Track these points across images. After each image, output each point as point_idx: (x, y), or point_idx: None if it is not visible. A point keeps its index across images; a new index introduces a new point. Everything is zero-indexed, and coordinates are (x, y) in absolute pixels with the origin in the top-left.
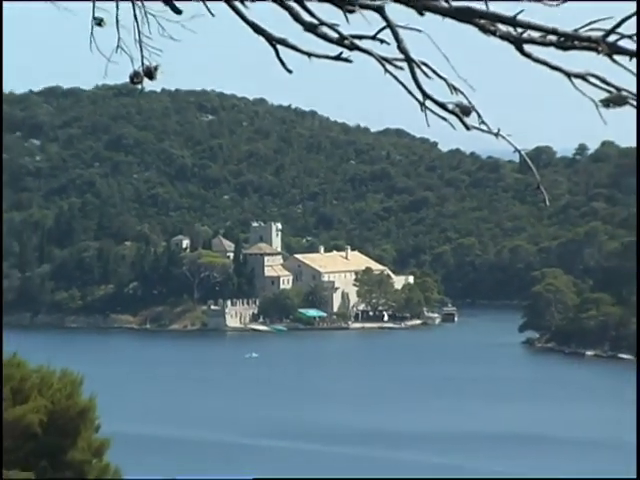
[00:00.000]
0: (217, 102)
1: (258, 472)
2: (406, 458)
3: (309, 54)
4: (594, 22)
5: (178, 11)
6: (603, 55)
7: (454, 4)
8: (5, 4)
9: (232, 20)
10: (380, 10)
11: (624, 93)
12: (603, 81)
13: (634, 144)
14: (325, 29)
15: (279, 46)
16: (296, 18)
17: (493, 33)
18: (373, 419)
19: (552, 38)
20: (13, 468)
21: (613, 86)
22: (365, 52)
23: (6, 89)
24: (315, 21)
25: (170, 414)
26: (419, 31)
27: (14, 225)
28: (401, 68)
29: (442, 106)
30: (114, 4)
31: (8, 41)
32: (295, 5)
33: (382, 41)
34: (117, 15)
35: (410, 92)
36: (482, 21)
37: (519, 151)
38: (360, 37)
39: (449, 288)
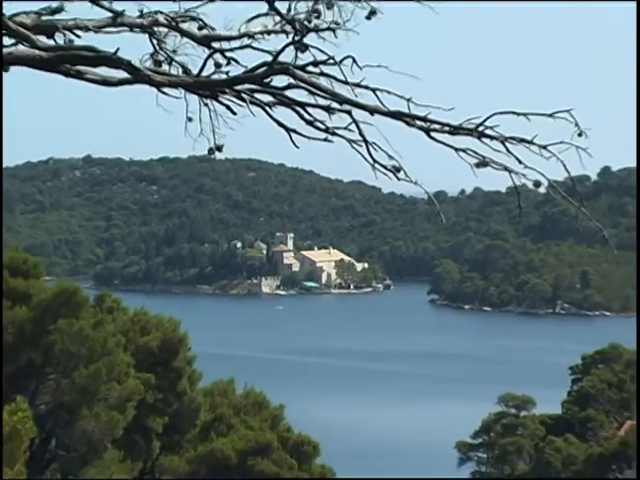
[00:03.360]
0: (257, 165)
1: (277, 375)
2: (367, 366)
3: (308, 137)
4: (471, 119)
5: (234, 113)
6: (475, 138)
7: (390, 108)
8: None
9: (264, 117)
10: (349, 112)
11: (487, 159)
12: (475, 152)
13: (495, 189)
14: (318, 123)
15: (292, 133)
16: (301, 117)
17: (412, 125)
18: (346, 343)
19: (446, 128)
20: (140, 372)
21: (481, 155)
22: (340, 136)
23: (136, 157)
24: (311, 119)
25: (231, 341)
26: (370, 124)
27: (142, 234)
28: (360, 145)
29: (384, 167)
30: (197, 108)
31: (147, 128)
32: (300, 109)
33: (350, 130)
34: (200, 115)
35: (365, 159)
36: (407, 118)
37: (427, 193)
38: (337, 128)
39: (388, 270)
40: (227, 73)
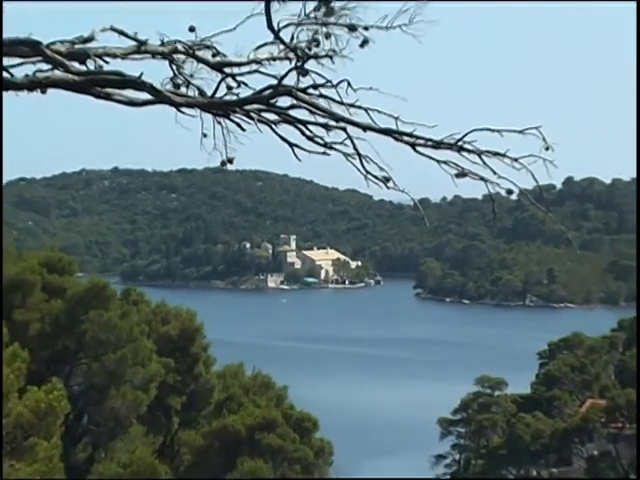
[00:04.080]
0: (263, 175)
1: (282, 359)
2: (360, 351)
3: (309, 151)
4: (451, 135)
5: (243, 129)
6: (455, 151)
7: (381, 125)
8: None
9: (269, 133)
10: (344, 129)
11: (465, 170)
12: (455, 164)
13: (473, 196)
14: (317, 139)
15: (294, 147)
16: (302, 133)
17: (400, 140)
18: (342, 331)
19: (429, 143)
20: (162, 357)
21: (460, 167)
22: (337, 150)
23: (158, 168)
24: (311, 135)
25: (241, 330)
26: (363, 140)
27: (163, 236)
28: (355, 158)
29: (375, 177)
30: (211, 125)
31: (167, 143)
32: (302, 127)
33: (345, 145)
34: (214, 132)
35: (359, 170)
36: (395, 135)
37: (413, 199)
38: (334, 143)
39: (378, 267)
40: (237, 95)
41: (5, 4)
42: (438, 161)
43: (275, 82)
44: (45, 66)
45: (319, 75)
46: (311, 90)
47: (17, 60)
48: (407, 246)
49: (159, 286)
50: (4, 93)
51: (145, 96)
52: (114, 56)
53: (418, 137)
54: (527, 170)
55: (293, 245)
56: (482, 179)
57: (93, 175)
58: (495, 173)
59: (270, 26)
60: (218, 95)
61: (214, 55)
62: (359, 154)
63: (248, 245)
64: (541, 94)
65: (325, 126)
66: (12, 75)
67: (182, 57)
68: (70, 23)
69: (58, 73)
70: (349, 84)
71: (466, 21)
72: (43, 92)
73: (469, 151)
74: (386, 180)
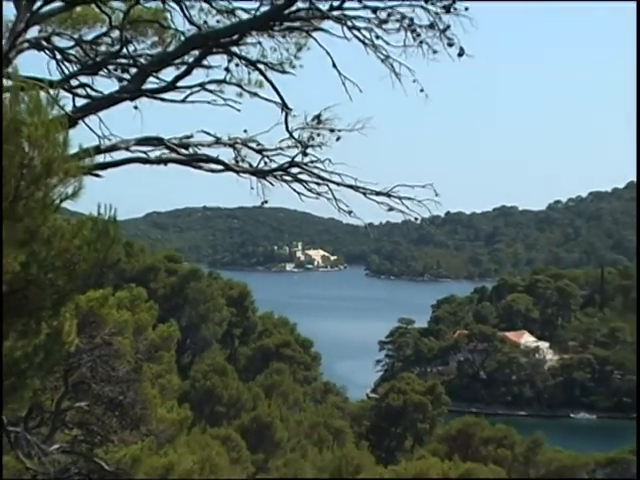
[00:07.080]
0: (284, 210)
1: (294, 308)
2: (334, 303)
3: (308, 196)
4: (385, 187)
5: (273, 185)
6: (386, 197)
7: (347, 182)
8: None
9: (287, 187)
10: (327, 185)
11: (393, 207)
12: (387, 204)
13: (396, 221)
14: (312, 190)
15: (300, 195)
16: (304, 187)
17: (357, 191)
18: (326, 292)
19: (373, 192)
20: (229, 307)
21: (390, 205)
22: (323, 196)
23: (229, 206)
24: (309, 187)
25: (271, 292)
26: (338, 190)
27: (230, 243)
28: (332, 200)
29: (344, 210)
30: (256, 183)
31: (231, 191)
32: (304, 184)
33: (327, 193)
34: (257, 186)
35: (334, 207)
36: (354, 188)
37: (364, 223)
38: (322, 192)
39: (346, 259)
40: (270, 166)
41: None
42: (378, 202)
43: (289, 159)
44: (166, 151)
45: (314, 155)
46: (309, 164)
47: (150, 148)
48: (361, 248)
49: (227, 270)
50: (146, 166)
51: (220, 167)
52: (203, 145)
53: (367, 189)
54: (425, 207)
55: (300, 247)
56: (401, 212)
57: (192, 210)
58: (408, 208)
59: (287, 129)
60: (260, 167)
61: (257, 145)
62: (335, 198)
63: (276, 247)
64: (433, 160)
65: (317, 184)
66: (149, 156)
67: (240, 146)
68: (179, 126)
69: (173, 155)
70: (330, 161)
71: (395, 122)
72: (165, 165)
73: (395, 197)
74: (349, 212)
